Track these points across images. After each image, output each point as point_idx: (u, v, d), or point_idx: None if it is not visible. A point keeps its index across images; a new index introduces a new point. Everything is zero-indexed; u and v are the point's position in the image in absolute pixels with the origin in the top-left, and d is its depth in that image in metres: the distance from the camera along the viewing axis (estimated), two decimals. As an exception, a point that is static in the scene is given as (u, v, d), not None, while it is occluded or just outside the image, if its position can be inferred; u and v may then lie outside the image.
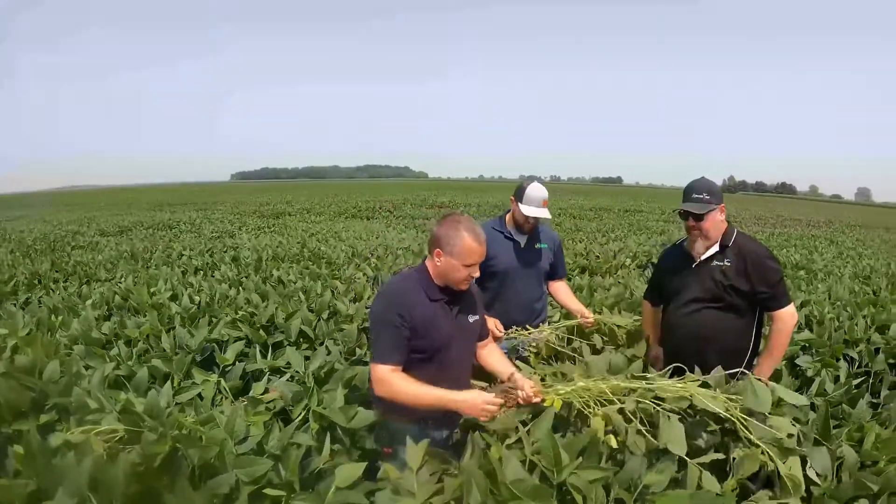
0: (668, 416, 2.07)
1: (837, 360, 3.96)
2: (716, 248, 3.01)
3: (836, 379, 3.50)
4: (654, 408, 2.13)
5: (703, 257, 3.03)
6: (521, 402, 2.36)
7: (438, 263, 2.51)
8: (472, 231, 2.48)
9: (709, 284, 2.98)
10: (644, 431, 2.08)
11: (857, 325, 4.59)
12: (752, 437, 2.05)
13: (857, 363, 4.19)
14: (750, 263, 2.94)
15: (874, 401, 3.60)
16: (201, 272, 7.24)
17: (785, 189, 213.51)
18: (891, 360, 4.29)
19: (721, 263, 2.97)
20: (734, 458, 2.06)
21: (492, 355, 2.86)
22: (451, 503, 1.84)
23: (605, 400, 2.24)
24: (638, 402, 2.19)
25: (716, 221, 2.98)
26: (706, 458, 2.00)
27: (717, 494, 1.85)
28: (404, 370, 2.49)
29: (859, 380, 3.78)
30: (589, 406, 2.20)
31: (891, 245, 18.48)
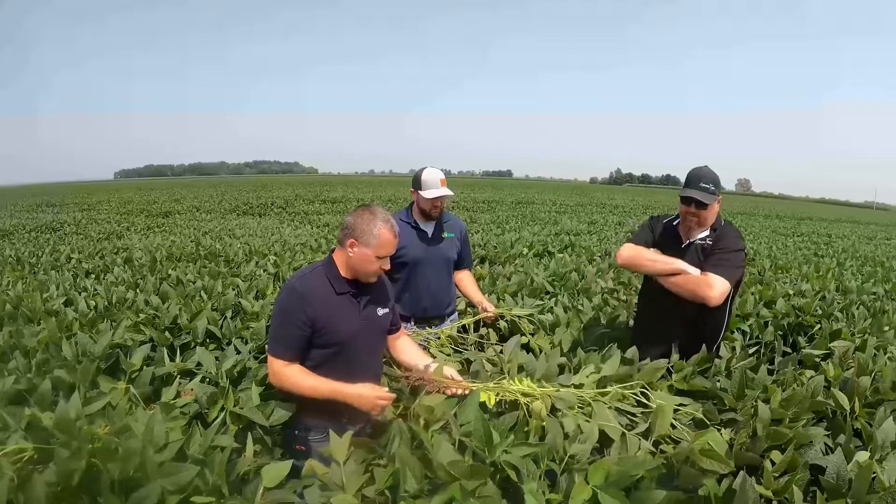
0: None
1: (732, 332, 4.20)
2: (706, 231, 3.12)
3: (734, 349, 3.72)
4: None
5: (692, 240, 3.13)
6: (447, 391, 2.40)
7: (351, 254, 2.49)
8: (388, 222, 2.49)
9: (695, 263, 3.04)
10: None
11: (746, 301, 4.92)
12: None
13: (749, 335, 4.48)
14: (721, 236, 3.07)
15: (770, 367, 3.84)
16: (93, 276, 6.88)
17: (669, 181, 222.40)
18: (779, 332, 4.62)
19: (704, 242, 3.08)
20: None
21: (406, 348, 2.87)
22: (386, 493, 1.84)
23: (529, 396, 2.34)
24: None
25: (714, 212, 3.07)
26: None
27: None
28: (313, 365, 2.51)
29: (753, 350, 4.03)
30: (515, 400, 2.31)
31: (770, 230, 19.76)
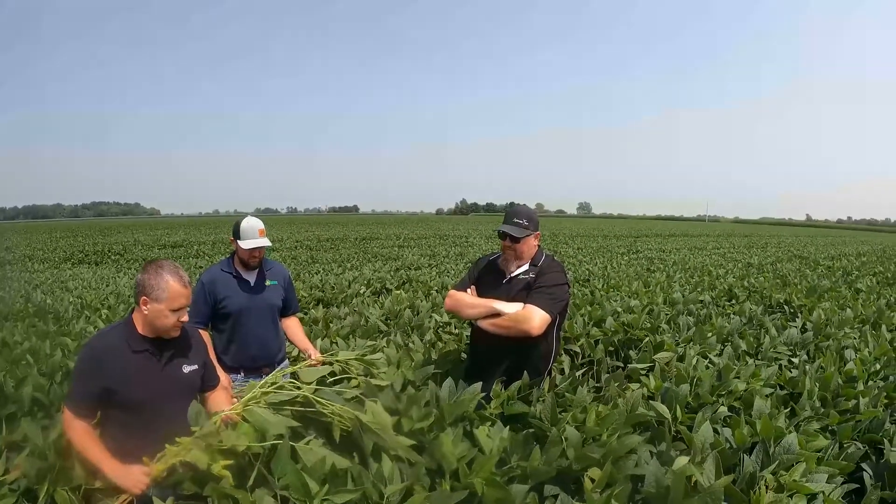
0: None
1: (560, 355, 4.26)
2: (526, 266, 3.26)
3: (562, 371, 3.76)
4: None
5: (513, 274, 3.25)
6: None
7: (146, 312, 2.44)
8: (176, 274, 2.46)
9: (517, 296, 3.16)
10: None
11: (575, 323, 5.02)
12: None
13: (580, 355, 4.59)
14: (543, 271, 3.21)
15: (598, 385, 3.92)
16: (-88, 346, 6.14)
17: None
18: (610, 349, 4.83)
19: (527, 277, 3.21)
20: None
21: (218, 405, 2.76)
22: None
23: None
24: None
25: (530, 245, 3.24)
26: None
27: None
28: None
29: (583, 370, 4.11)
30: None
31: (605, 250, 20.79)
